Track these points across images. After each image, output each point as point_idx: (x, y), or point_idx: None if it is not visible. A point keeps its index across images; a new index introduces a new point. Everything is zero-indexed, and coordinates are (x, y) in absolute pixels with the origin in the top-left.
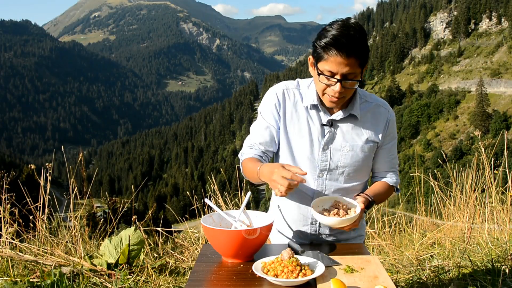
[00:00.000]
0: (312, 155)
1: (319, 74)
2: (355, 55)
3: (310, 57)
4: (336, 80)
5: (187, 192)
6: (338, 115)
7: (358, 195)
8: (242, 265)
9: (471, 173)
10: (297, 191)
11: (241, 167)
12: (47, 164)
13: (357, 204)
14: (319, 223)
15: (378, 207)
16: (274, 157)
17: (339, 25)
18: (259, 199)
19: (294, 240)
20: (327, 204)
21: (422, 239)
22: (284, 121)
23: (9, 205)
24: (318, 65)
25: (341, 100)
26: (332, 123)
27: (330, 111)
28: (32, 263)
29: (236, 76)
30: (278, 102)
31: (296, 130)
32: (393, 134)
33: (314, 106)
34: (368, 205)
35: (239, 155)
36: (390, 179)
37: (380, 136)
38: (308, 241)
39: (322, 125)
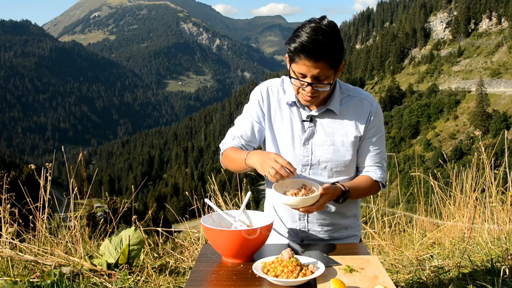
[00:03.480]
0: (293, 151)
1: (290, 77)
2: (323, 59)
3: (287, 55)
4: (307, 83)
5: (187, 192)
6: (316, 110)
7: (333, 183)
8: (242, 265)
9: (471, 173)
10: None
11: (220, 157)
12: (47, 164)
13: (319, 187)
14: (307, 219)
15: (378, 207)
16: None
17: (310, 29)
18: (259, 199)
19: (287, 238)
20: (295, 186)
21: (422, 239)
22: (269, 118)
23: (9, 205)
24: (292, 66)
25: (315, 99)
26: (312, 119)
27: (309, 106)
28: (32, 263)
29: (236, 76)
30: (262, 99)
31: (279, 126)
32: (378, 128)
33: (294, 103)
34: (341, 194)
35: (220, 145)
36: (374, 173)
37: (362, 129)
38: (298, 239)
39: (303, 121)
